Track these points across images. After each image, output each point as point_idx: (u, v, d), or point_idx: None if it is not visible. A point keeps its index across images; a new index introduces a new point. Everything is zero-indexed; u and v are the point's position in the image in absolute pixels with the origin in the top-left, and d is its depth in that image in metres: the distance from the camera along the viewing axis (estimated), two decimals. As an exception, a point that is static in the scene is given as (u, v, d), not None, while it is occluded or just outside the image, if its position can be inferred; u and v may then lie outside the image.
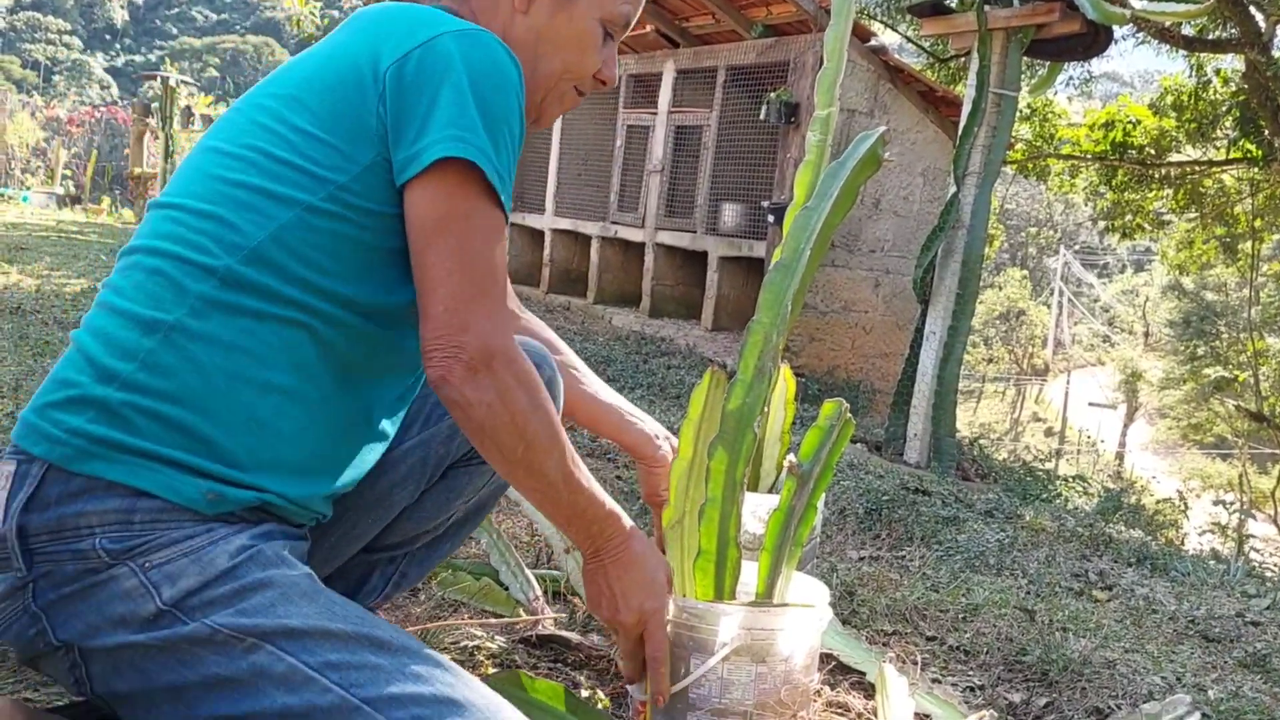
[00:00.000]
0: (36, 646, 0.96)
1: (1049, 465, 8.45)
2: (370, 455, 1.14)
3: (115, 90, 47.09)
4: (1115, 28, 4.01)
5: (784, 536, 1.31)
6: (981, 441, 8.83)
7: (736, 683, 1.17)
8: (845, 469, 3.53)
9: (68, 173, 16.52)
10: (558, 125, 8.17)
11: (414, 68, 0.99)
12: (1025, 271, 35.35)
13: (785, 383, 1.91)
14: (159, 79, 13.24)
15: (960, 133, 4.07)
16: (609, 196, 7.73)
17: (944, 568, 2.45)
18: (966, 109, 4.06)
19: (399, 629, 1.00)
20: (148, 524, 0.94)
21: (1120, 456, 25.85)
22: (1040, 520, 3.34)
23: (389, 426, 1.16)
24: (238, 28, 57.69)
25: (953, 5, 4.10)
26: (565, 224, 8.17)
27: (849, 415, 1.34)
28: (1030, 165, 12.22)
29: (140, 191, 13.38)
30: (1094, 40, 3.93)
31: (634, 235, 7.42)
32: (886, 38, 8.65)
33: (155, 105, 13.65)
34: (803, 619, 1.22)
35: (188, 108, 13.26)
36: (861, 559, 2.45)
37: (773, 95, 6.00)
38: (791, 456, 1.33)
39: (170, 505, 0.95)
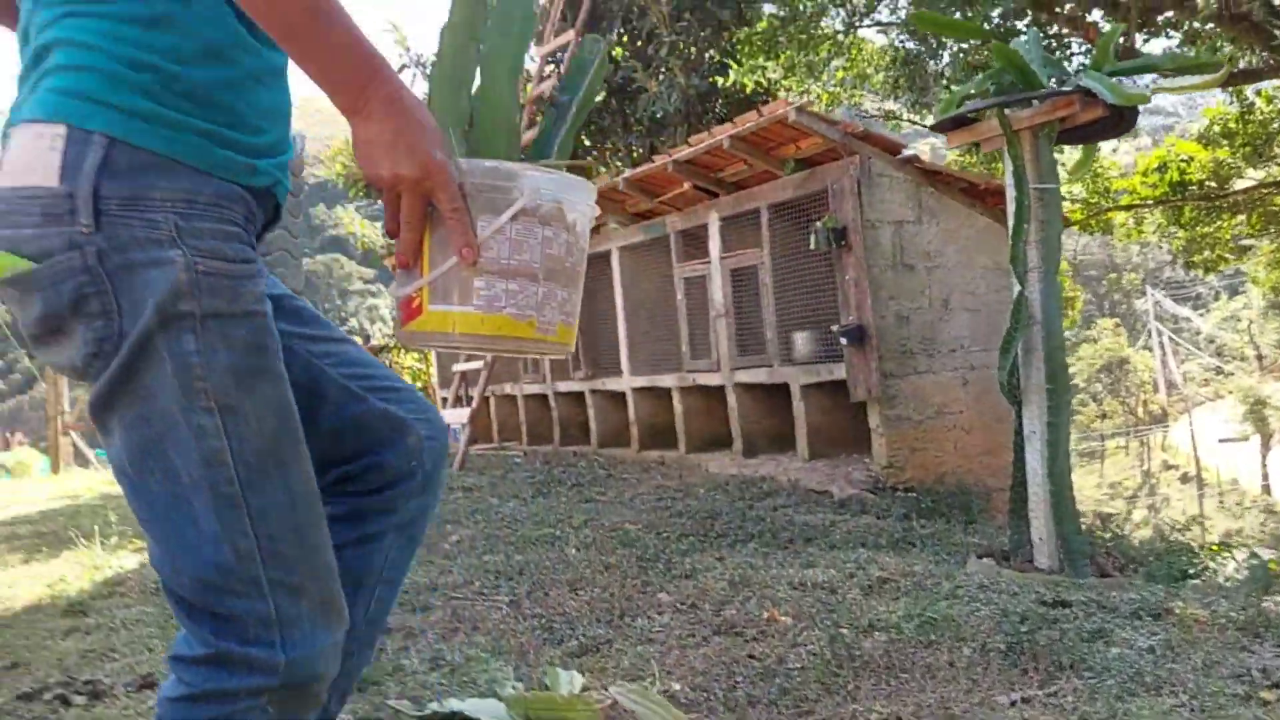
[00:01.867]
0: (80, 309, 0.97)
1: (1188, 533, 8.03)
2: (282, 105, 1.15)
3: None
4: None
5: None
6: (1112, 510, 8.47)
7: (525, 244, 1.13)
8: (976, 591, 3.42)
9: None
10: (618, 290, 8.43)
11: None
12: (1116, 319, 34.37)
13: None
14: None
15: (1011, 233, 4.09)
16: (681, 347, 7.87)
17: (1099, 699, 2.34)
18: (1011, 209, 4.09)
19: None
20: (211, 206, 1.00)
21: (1266, 488, 24.38)
22: (1191, 610, 3.18)
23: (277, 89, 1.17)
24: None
25: (974, 116, 4.18)
26: (642, 381, 8.32)
27: (603, 45, 1.38)
28: (1092, 222, 12.09)
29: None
30: (1120, 119, 3.95)
31: (711, 379, 7.51)
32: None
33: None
34: (585, 185, 1.20)
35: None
36: (1013, 704, 2.37)
37: (819, 224, 6.13)
38: (550, 85, 1.34)
39: (218, 192, 1.01)
